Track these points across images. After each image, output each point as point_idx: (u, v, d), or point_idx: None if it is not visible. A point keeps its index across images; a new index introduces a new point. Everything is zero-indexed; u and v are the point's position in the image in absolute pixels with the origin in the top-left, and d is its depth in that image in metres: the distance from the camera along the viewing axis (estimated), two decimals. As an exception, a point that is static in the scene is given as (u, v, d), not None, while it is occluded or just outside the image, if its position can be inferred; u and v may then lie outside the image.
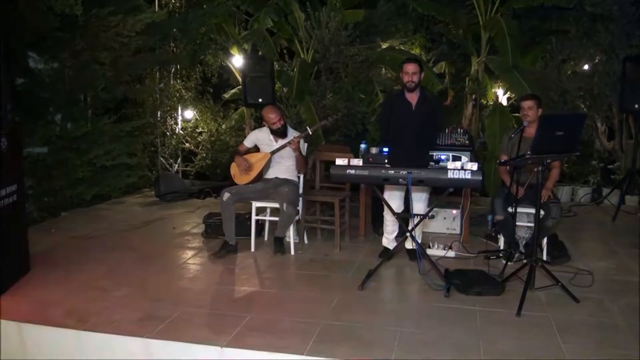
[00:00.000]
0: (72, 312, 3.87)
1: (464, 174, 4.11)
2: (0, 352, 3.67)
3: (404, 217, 4.74)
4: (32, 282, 4.48)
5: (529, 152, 3.96)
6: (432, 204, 5.02)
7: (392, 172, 4.26)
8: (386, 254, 5.10)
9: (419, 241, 4.96)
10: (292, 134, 5.45)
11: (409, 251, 5.16)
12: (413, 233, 4.61)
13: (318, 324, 3.69)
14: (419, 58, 5.07)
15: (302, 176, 5.60)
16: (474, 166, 4.11)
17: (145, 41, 7.48)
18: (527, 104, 4.93)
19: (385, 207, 5.03)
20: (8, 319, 3.73)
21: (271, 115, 5.34)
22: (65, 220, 6.73)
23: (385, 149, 4.80)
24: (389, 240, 5.30)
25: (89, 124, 7.22)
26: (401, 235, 5.18)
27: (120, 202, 7.73)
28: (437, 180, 4.25)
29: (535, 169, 4.21)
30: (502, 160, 4.90)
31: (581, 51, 7.89)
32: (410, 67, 4.93)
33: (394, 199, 5.03)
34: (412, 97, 5.01)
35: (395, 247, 4.97)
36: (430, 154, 5.27)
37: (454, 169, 4.13)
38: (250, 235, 5.44)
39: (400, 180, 4.23)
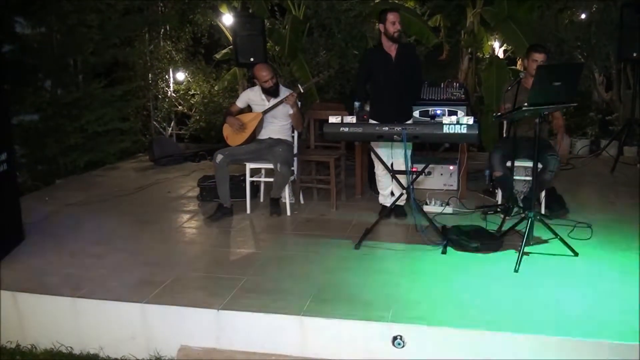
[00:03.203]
0: (67, 280, 3.84)
1: (460, 128, 4.02)
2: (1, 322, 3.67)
3: (398, 174, 4.70)
4: (26, 251, 4.44)
5: (525, 104, 3.88)
6: (427, 160, 4.96)
7: (387, 128, 4.18)
8: (385, 212, 5.08)
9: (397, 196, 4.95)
10: (284, 92, 5.34)
11: (397, 207, 5.10)
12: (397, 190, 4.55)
13: (315, 285, 3.67)
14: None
15: (296, 136, 5.52)
16: (470, 120, 4.03)
17: (133, 1, 7.31)
18: (540, 56, 4.78)
19: (376, 164, 5.03)
20: (3, 289, 3.69)
21: (263, 72, 5.23)
22: (59, 187, 6.67)
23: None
24: (384, 196, 5.28)
25: (80, 90, 7.12)
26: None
27: (114, 168, 7.65)
28: (433, 136, 4.16)
29: (536, 120, 4.11)
30: (500, 113, 4.81)
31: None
32: (396, 16, 4.82)
33: (381, 156, 4.95)
34: (392, 49, 4.92)
35: (392, 204, 4.92)
36: (412, 107, 5.24)
37: (450, 124, 4.04)
38: (245, 197, 5.39)
39: (395, 136, 4.15)
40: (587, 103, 8.34)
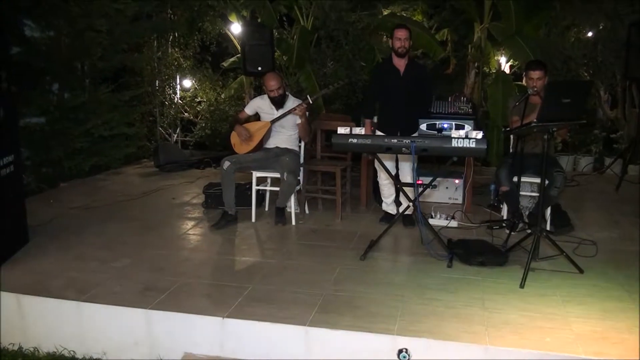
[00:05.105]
0: (71, 284, 3.83)
1: (469, 142, 4.02)
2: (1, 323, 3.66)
3: (405, 186, 4.71)
4: (31, 253, 4.44)
5: (534, 120, 3.88)
6: (434, 173, 4.97)
7: (395, 140, 4.18)
8: (387, 219, 5.16)
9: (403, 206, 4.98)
10: (293, 102, 5.36)
11: (404, 217, 5.12)
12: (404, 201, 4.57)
13: (320, 295, 3.66)
14: (408, 25, 5.10)
15: (303, 145, 5.53)
16: (479, 134, 4.03)
17: (142, 7, 7.35)
18: (536, 74, 4.75)
19: (379, 173, 5.14)
20: (6, 291, 3.69)
21: (272, 82, 5.24)
22: (63, 191, 6.67)
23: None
24: (387, 204, 5.35)
25: (87, 94, 7.15)
26: (398, 198, 5.29)
27: (119, 173, 7.66)
28: (441, 149, 4.15)
29: (545, 137, 4.10)
30: (508, 129, 4.82)
31: (585, 17, 7.76)
32: (402, 33, 4.94)
33: (385, 162, 4.98)
34: (400, 63, 5.02)
35: (397, 216, 4.92)
36: (419, 120, 5.33)
37: (458, 138, 4.04)
38: (250, 205, 5.40)
39: (404, 149, 4.15)
40: (592, 120, 8.35)
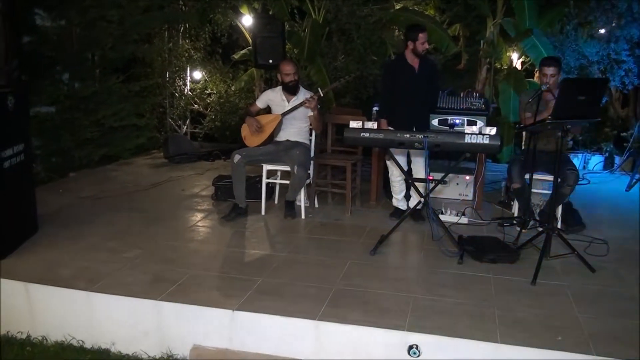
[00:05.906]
0: (81, 273, 3.83)
1: (482, 138, 3.99)
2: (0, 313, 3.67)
3: (417, 181, 4.69)
4: (40, 243, 4.44)
5: (549, 117, 3.85)
6: (445, 169, 4.94)
7: (408, 135, 4.15)
8: (397, 214, 5.17)
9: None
10: (304, 94, 5.34)
11: (414, 213, 5.09)
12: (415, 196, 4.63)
13: (330, 289, 3.65)
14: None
15: (313, 139, 5.51)
16: (492, 130, 4.00)
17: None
18: (550, 70, 4.68)
19: (390, 169, 5.17)
20: (15, 279, 3.69)
21: (287, 67, 5.29)
22: (73, 180, 6.68)
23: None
24: (398, 200, 5.34)
25: (97, 84, 7.15)
26: (408, 193, 5.31)
27: (128, 163, 7.67)
28: (454, 145, 4.12)
29: (559, 134, 4.06)
30: (522, 125, 4.78)
31: (598, 14, 7.69)
32: (426, 36, 5.00)
33: (398, 157, 4.97)
34: (414, 61, 5.04)
35: (408, 211, 4.90)
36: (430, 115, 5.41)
37: (472, 134, 4.01)
38: (260, 198, 5.39)
39: (416, 144, 4.13)
40: (603, 118, 8.29)
